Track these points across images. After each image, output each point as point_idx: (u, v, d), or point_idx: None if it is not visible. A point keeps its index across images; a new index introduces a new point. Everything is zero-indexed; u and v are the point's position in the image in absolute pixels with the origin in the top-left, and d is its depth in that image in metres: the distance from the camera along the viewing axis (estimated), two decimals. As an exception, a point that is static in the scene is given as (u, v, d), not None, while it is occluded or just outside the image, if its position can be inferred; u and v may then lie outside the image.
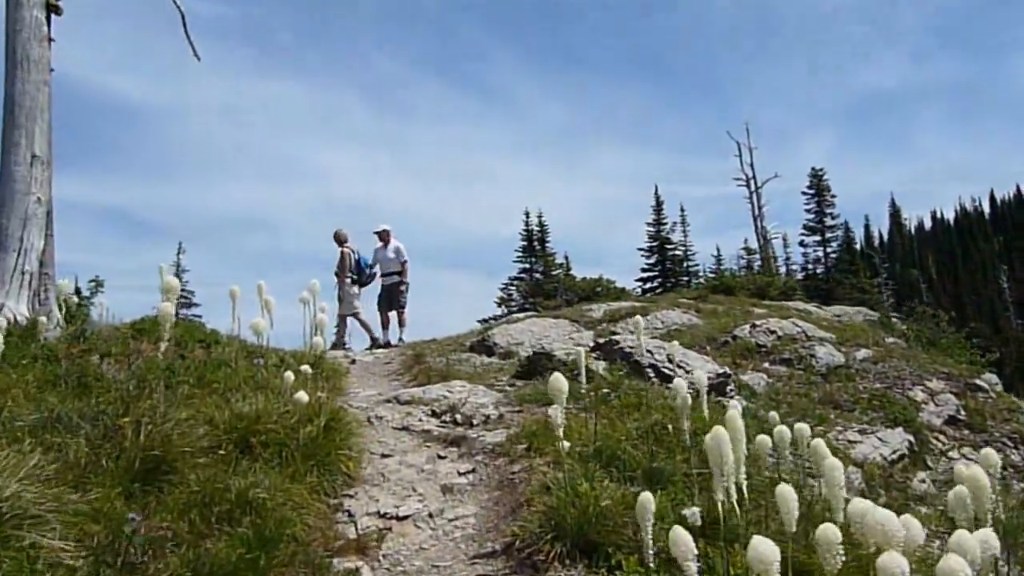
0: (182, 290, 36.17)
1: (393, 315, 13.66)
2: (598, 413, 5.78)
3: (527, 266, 33.26)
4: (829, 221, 40.72)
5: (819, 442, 3.97)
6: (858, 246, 41.30)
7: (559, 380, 4.41)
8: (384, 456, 5.76)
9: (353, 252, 13.31)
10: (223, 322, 12.21)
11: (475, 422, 6.68)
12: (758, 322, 13.55)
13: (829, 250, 40.41)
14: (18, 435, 4.21)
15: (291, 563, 3.72)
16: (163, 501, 3.94)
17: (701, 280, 34.89)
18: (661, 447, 5.50)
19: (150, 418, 4.36)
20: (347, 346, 13.55)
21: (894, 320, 19.02)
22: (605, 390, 7.64)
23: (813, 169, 40.48)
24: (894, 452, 8.85)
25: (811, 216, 40.80)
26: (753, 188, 38.16)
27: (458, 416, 6.74)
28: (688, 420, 5.07)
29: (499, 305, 30.57)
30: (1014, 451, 10.13)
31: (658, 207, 36.82)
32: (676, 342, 6.57)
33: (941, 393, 11.41)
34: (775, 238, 39.95)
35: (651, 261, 36.75)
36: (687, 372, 8.70)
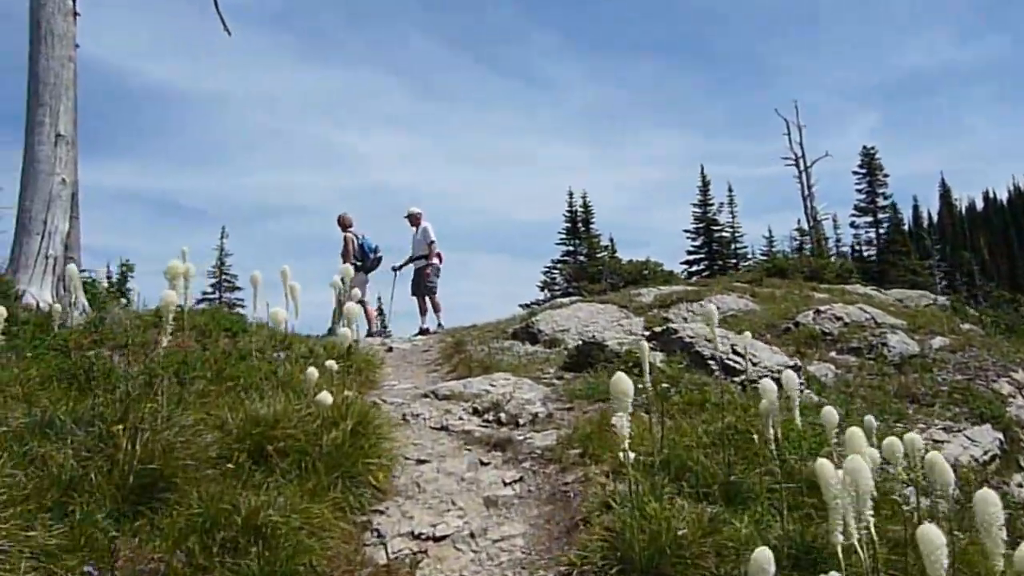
0: (224, 274, 36.41)
1: (428, 301, 13.04)
2: (664, 414, 5.06)
3: (571, 249, 32.47)
4: (881, 201, 39.28)
5: (936, 456, 3.22)
6: (906, 227, 39.62)
7: (623, 381, 3.70)
8: (420, 462, 5.12)
9: (357, 237, 12.56)
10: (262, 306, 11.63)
11: (521, 421, 6.01)
12: (822, 308, 12.64)
13: (880, 231, 38.97)
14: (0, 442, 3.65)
15: (306, 602, 3.10)
16: (158, 525, 3.35)
17: (749, 263, 33.80)
18: (738, 456, 4.77)
19: (151, 424, 3.77)
20: (386, 333, 12.99)
21: (967, 306, 17.88)
22: (664, 385, 6.92)
23: (865, 148, 39.01)
24: (985, 453, 7.97)
25: (862, 196, 39.36)
26: (802, 168, 36.76)
27: (502, 415, 6.08)
28: (773, 426, 4.33)
29: (542, 289, 29.92)
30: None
31: (704, 188, 35.75)
32: (749, 333, 5.80)
33: (1028, 385, 10.43)
34: (825, 219, 38.51)
35: (697, 243, 35.73)
36: (753, 364, 7.93)
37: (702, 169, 35.51)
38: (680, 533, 3.73)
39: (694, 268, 34.80)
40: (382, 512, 4.32)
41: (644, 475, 4.49)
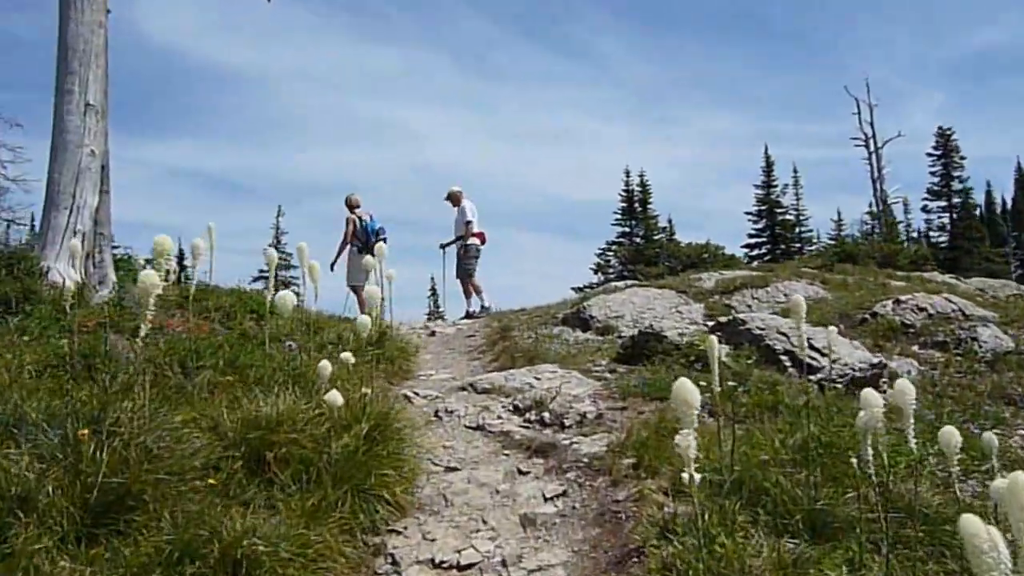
0: (280, 253, 36.42)
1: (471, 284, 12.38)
2: (735, 423, 4.31)
3: (626, 230, 31.42)
4: (956, 185, 37.27)
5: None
6: (977, 213, 37.53)
7: (687, 388, 2.98)
8: (449, 470, 4.48)
9: (360, 219, 11.84)
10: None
11: (567, 422, 5.32)
12: (903, 297, 11.60)
13: (955, 216, 37.03)
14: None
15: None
16: (118, 555, 2.76)
17: (814, 248, 32.40)
18: (824, 477, 4.00)
19: (129, 426, 3.20)
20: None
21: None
22: (731, 383, 6.16)
23: (940, 128, 37.09)
24: (1098, 466, 7.01)
25: (936, 179, 37.42)
26: (872, 148, 34.98)
27: (546, 414, 5.40)
28: (871, 444, 3.56)
29: (595, 272, 29.06)
30: None
31: (768, 168, 34.29)
32: (835, 329, 5.00)
33: None
34: (895, 202, 36.69)
35: (759, 226, 34.35)
36: (832, 361, 7.08)
37: (766, 149, 34.02)
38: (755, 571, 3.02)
39: (755, 252, 33.48)
40: (399, 532, 3.68)
41: (711, 497, 3.77)
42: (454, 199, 12.51)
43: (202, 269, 8.59)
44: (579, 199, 69.49)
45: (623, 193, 32.27)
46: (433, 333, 10.25)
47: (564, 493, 4.27)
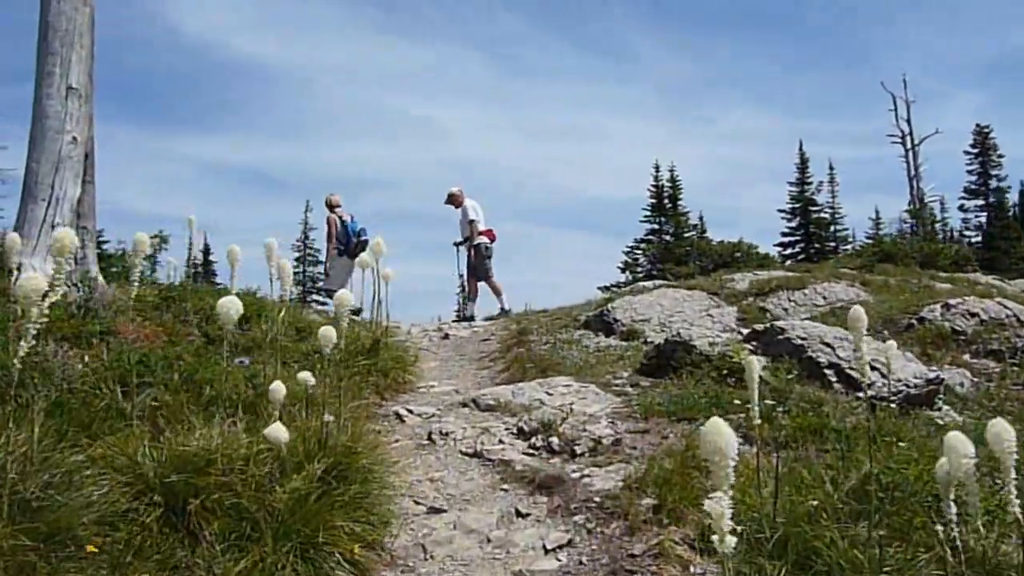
0: (308, 248, 36.00)
1: (482, 285, 11.65)
2: (779, 462, 3.54)
3: (655, 227, 30.42)
4: (994, 184, 35.90)
5: None
6: (1010, 213, 36.07)
7: (720, 435, 2.22)
8: (433, 511, 3.76)
9: (339, 219, 11.11)
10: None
11: (579, 449, 4.58)
12: (952, 301, 10.68)
13: (991, 215, 35.66)
14: None
15: None
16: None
17: (849, 247, 31.26)
18: (890, 532, 3.22)
19: (7, 469, 2.52)
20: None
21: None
22: (768, 401, 5.38)
23: (978, 126, 35.71)
24: None
25: (973, 178, 36.09)
26: (909, 146, 33.72)
27: (554, 439, 4.66)
28: (956, 500, 2.78)
29: (623, 271, 28.18)
30: None
31: (802, 165, 33.11)
32: (894, 343, 4.21)
33: None
34: (932, 201, 35.36)
35: (792, 224, 33.22)
36: (883, 376, 6.26)
37: (800, 145, 32.81)
38: None
39: (788, 251, 32.38)
40: (360, 601, 2.98)
41: (748, 559, 3.02)
42: (455, 201, 11.75)
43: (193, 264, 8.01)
44: (608, 196, 68.38)
45: (652, 188, 31.24)
46: (446, 336, 9.58)
47: (569, 543, 3.54)
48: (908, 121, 32.50)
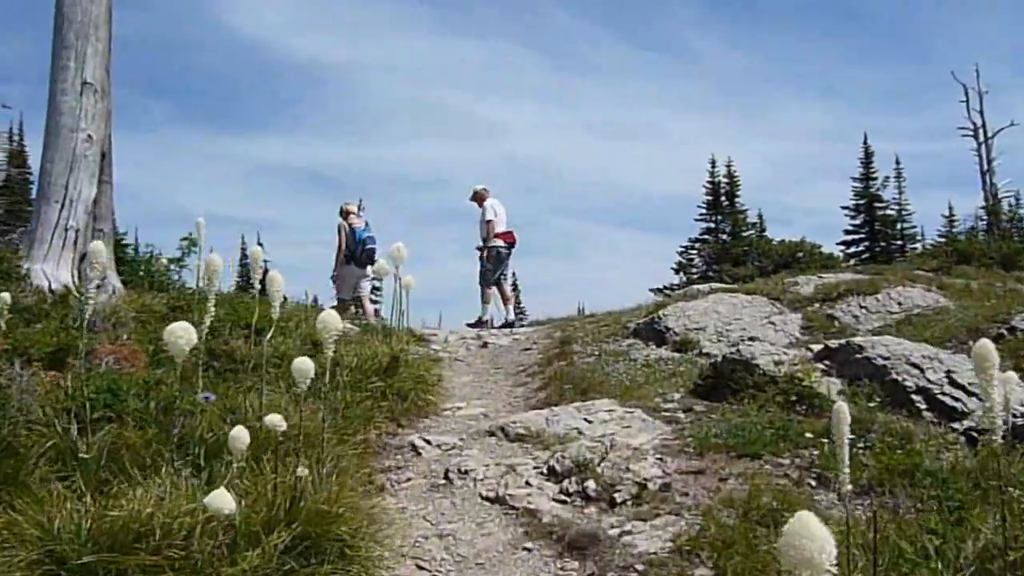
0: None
1: (494, 292, 10.86)
2: (876, 535, 2.77)
3: (712, 226, 29.19)
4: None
5: None
6: None
7: (812, 536, 1.46)
8: (436, 581, 3.09)
9: (349, 227, 10.40)
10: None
11: (619, 495, 3.86)
12: (1048, 308, 9.59)
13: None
14: None
15: None
16: None
17: (918, 246, 29.63)
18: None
19: None
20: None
21: None
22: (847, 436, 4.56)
23: (1060, 115, 33.53)
24: None
25: (1050, 173, 33.97)
26: (982, 139, 31.82)
27: (590, 483, 3.94)
28: None
29: (677, 272, 27.09)
30: None
31: (867, 160, 31.49)
32: (1013, 375, 3.39)
33: None
34: (1006, 197, 33.36)
35: (857, 222, 31.67)
36: (981, 400, 5.37)
37: (865, 138, 31.18)
38: None
39: (852, 250, 30.89)
40: None
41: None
42: (479, 198, 10.98)
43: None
44: (663, 192, 67.02)
45: (708, 185, 30.01)
46: (485, 344, 8.91)
47: (603, 630, 2.82)
48: (981, 113, 30.60)
